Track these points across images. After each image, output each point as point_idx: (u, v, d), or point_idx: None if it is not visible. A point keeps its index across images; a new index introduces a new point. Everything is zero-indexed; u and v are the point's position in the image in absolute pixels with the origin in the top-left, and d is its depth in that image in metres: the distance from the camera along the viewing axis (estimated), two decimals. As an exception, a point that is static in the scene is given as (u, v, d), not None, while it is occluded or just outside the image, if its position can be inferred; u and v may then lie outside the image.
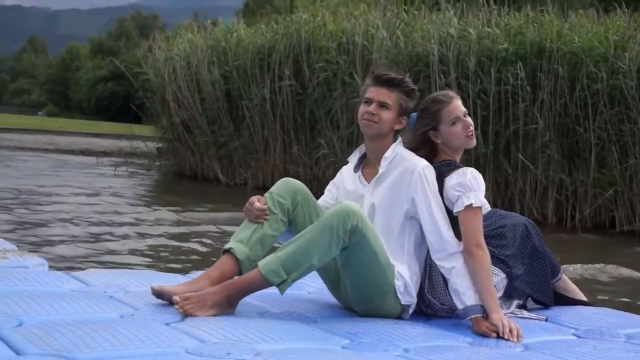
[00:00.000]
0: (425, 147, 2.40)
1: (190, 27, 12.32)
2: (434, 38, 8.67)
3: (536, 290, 2.52)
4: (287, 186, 2.38)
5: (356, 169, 2.45)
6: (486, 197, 2.32)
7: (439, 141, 2.39)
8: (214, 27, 12.11)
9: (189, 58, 11.29)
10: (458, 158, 2.44)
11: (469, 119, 2.41)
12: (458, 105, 2.40)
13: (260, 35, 10.84)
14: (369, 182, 2.40)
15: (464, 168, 2.34)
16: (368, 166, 2.44)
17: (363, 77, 8.63)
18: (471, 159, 7.92)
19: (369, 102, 2.35)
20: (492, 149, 8.23)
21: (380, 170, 2.37)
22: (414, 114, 2.46)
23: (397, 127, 2.38)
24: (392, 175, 2.35)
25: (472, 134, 2.39)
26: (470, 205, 2.25)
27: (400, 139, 2.41)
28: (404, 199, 2.32)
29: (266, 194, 2.37)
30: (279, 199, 2.34)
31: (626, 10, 8.62)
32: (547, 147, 8.13)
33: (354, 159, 2.47)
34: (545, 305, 2.56)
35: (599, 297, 4.05)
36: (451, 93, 2.45)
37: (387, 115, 2.34)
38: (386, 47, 9.05)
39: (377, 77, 2.37)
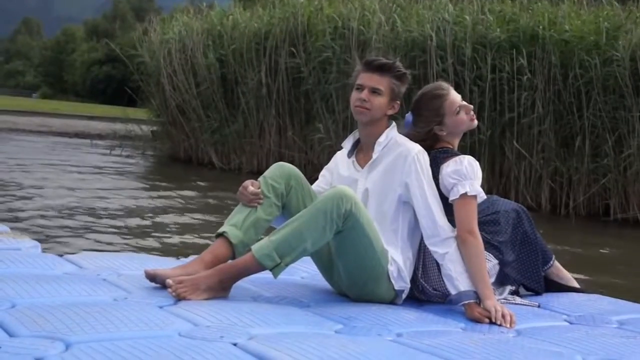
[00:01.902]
0: (428, 142, 2.40)
1: (186, 10, 12.23)
2: (430, 23, 8.63)
3: (526, 277, 2.53)
4: (281, 170, 2.37)
5: (350, 154, 2.45)
6: (481, 184, 2.32)
7: (444, 133, 2.39)
8: (210, 10, 12.03)
9: (184, 41, 11.21)
10: (457, 143, 2.44)
11: (467, 104, 2.42)
12: (455, 94, 2.42)
13: (257, 18, 10.77)
14: (362, 168, 2.40)
15: (461, 156, 2.34)
16: (362, 151, 2.43)
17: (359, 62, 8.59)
18: (467, 146, 7.94)
19: (360, 88, 2.34)
20: (488, 136, 8.23)
21: (374, 156, 2.36)
22: (409, 116, 2.44)
23: (389, 112, 2.37)
24: (386, 160, 2.35)
25: (474, 116, 2.41)
26: (465, 193, 2.25)
27: (394, 123, 2.41)
28: (397, 184, 2.32)
29: (260, 178, 2.37)
30: (273, 183, 2.34)
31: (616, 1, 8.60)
32: (542, 135, 8.13)
33: (347, 144, 2.46)
34: (536, 292, 2.57)
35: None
36: (444, 84, 2.45)
37: (380, 101, 2.33)
38: (383, 32, 9.00)
39: (367, 63, 2.36)
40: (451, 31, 8.45)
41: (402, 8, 9.48)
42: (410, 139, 2.38)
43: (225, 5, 13.57)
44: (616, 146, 7.76)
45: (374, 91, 2.33)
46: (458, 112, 2.38)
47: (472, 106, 2.43)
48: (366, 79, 2.34)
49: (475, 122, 2.43)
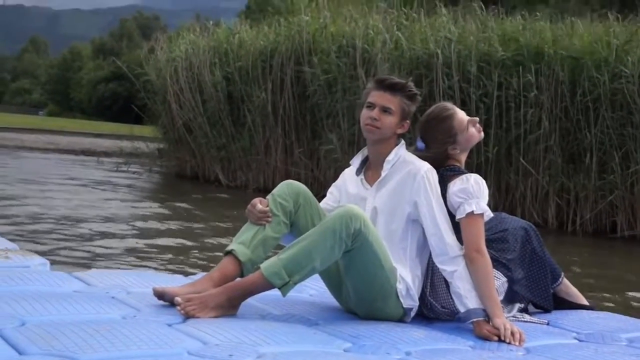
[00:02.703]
0: (441, 160, 2.40)
1: (192, 28, 12.33)
2: (433, 42, 8.66)
3: (536, 294, 2.52)
4: (289, 188, 2.38)
5: (358, 172, 2.45)
6: (487, 202, 2.32)
7: (457, 151, 2.40)
8: (216, 28, 12.12)
9: (190, 59, 11.29)
10: (464, 159, 2.45)
11: (474, 118, 2.44)
12: (460, 111, 2.44)
13: (263, 37, 10.85)
14: (371, 186, 2.40)
15: (468, 174, 2.34)
16: (370, 169, 2.44)
17: (364, 79, 8.64)
18: (473, 163, 7.93)
19: (371, 106, 2.35)
20: (494, 153, 8.22)
21: (383, 174, 2.37)
22: (420, 143, 2.42)
23: (399, 131, 2.38)
24: (395, 178, 2.35)
25: (481, 128, 2.43)
26: (472, 212, 2.25)
27: (403, 141, 2.41)
28: (406, 202, 2.32)
29: (268, 196, 2.37)
30: (281, 201, 2.34)
31: (619, 16, 8.61)
32: (548, 152, 8.11)
33: (356, 162, 2.47)
34: (545, 310, 2.56)
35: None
36: (447, 104, 2.46)
37: (390, 120, 2.33)
38: (389, 50, 9.05)
39: (379, 82, 2.37)
40: (455, 49, 8.48)
41: (405, 27, 9.54)
42: (421, 158, 2.39)
43: (231, 23, 13.68)
44: (623, 163, 7.73)
45: (385, 110, 2.34)
46: (468, 128, 2.40)
47: (477, 118, 2.45)
48: (377, 97, 2.35)
49: (482, 134, 2.44)
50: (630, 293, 4.71)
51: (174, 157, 12.33)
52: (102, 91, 50.39)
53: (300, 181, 2.46)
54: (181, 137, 11.62)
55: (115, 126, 26.31)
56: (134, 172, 12.63)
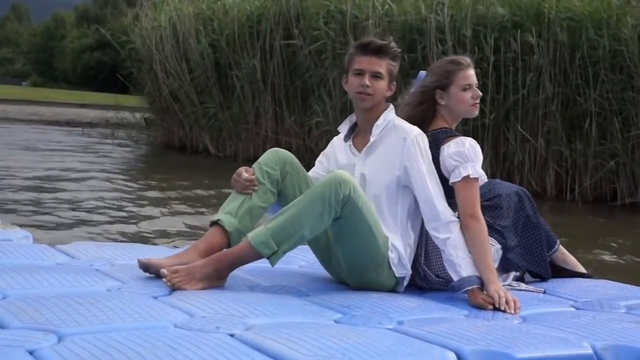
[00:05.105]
0: (425, 107, 2.35)
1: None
2: (425, 5, 8.49)
3: (531, 262, 2.48)
4: (275, 156, 2.32)
5: (347, 138, 2.39)
6: (484, 168, 2.28)
7: (442, 103, 2.34)
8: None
9: (176, 26, 11.09)
10: (454, 127, 2.39)
11: (479, 91, 2.38)
12: (473, 74, 2.37)
13: (248, 2, 10.64)
14: (360, 152, 2.35)
15: (463, 137, 2.30)
16: (359, 135, 2.38)
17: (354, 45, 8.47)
18: (469, 130, 7.81)
19: (360, 73, 2.27)
20: (491, 119, 8.06)
21: (372, 139, 2.31)
22: (423, 72, 2.40)
23: (388, 94, 2.32)
24: (384, 143, 2.30)
25: (477, 104, 2.36)
26: (468, 176, 2.21)
27: (391, 106, 2.36)
28: (396, 167, 2.26)
29: (254, 165, 2.32)
30: (268, 169, 2.28)
31: None
32: (547, 118, 7.98)
33: (344, 128, 2.41)
34: (542, 278, 2.52)
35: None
36: (468, 59, 2.40)
37: (381, 85, 2.27)
38: (379, 15, 8.89)
39: (364, 46, 2.28)
40: (448, 12, 8.30)
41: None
42: (410, 100, 2.33)
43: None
44: (624, 128, 7.55)
45: (375, 75, 2.27)
46: (465, 90, 2.33)
47: (481, 94, 2.39)
48: (365, 63, 2.27)
49: (476, 111, 2.37)
50: (630, 260, 4.69)
51: (161, 127, 12.19)
52: (86, 60, 49.68)
53: (291, 151, 2.42)
54: (168, 107, 11.48)
55: (101, 96, 26.05)
56: (119, 144, 12.49)
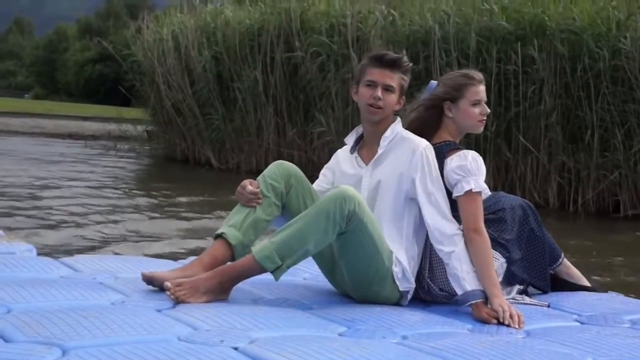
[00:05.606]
0: (430, 114, 2.35)
1: (180, 7, 12.15)
2: (431, 15, 8.51)
3: (532, 275, 2.47)
4: (280, 169, 2.32)
5: (353, 150, 2.39)
6: (486, 181, 2.28)
7: (450, 115, 2.35)
8: (204, 6, 11.94)
9: (178, 39, 11.14)
10: (458, 140, 2.39)
11: (487, 108, 2.39)
12: (484, 90, 2.38)
13: (248, 15, 10.68)
14: (366, 164, 2.35)
15: (465, 150, 2.30)
16: (365, 147, 2.38)
17: (358, 58, 8.51)
18: (471, 142, 7.80)
19: (372, 85, 2.27)
20: (493, 131, 8.05)
21: (380, 151, 2.31)
22: (434, 82, 2.41)
23: (397, 107, 2.33)
24: (392, 155, 2.30)
25: (484, 121, 2.37)
26: (470, 190, 2.21)
27: (398, 118, 2.36)
28: (404, 180, 2.27)
29: (259, 177, 2.31)
30: (272, 182, 2.28)
31: None
32: (549, 129, 7.99)
33: (350, 140, 2.41)
34: (543, 291, 2.52)
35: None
36: (481, 75, 2.41)
37: (392, 99, 2.28)
38: (382, 26, 8.91)
39: (378, 58, 2.29)
40: (454, 23, 8.33)
41: (402, 1, 9.37)
42: (417, 109, 2.33)
43: (219, 2, 13.48)
44: (626, 140, 7.54)
45: (387, 89, 2.27)
46: (474, 105, 2.34)
47: (488, 110, 2.40)
48: (378, 75, 2.27)
49: (482, 128, 2.38)
50: (634, 274, 4.66)
51: (164, 140, 12.21)
52: (89, 73, 49.83)
53: (293, 163, 2.41)
54: (170, 119, 11.50)
55: (103, 109, 26.11)
56: (121, 156, 12.50)
